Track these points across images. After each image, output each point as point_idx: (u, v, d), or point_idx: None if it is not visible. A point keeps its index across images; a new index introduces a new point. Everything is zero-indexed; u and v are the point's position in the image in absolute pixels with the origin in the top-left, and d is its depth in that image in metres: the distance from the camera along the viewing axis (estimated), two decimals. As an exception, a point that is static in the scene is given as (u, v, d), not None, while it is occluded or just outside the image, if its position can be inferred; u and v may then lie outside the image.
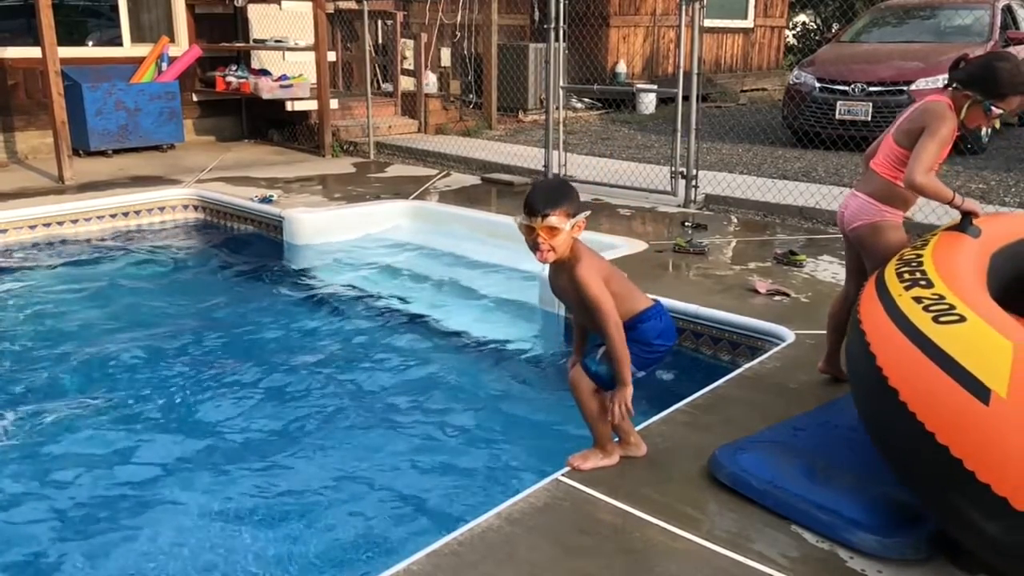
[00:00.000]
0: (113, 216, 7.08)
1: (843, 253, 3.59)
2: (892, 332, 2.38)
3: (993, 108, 2.90)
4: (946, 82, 3.04)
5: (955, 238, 2.88)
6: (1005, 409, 2.06)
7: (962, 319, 2.29)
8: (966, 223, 2.93)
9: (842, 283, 3.62)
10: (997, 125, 2.99)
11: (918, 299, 2.43)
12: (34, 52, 7.94)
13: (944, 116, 2.90)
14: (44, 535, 3.04)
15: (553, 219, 2.45)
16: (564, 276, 2.59)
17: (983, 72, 2.91)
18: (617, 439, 2.88)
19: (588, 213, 2.55)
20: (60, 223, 6.78)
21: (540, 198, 2.48)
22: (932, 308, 2.36)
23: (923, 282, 2.52)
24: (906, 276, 2.59)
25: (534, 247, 2.51)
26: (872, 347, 2.42)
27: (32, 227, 6.64)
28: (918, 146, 2.90)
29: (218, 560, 2.91)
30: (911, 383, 2.24)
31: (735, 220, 6.61)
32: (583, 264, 2.54)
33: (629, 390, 2.49)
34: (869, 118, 8.94)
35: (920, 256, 2.72)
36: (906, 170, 2.91)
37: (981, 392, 2.08)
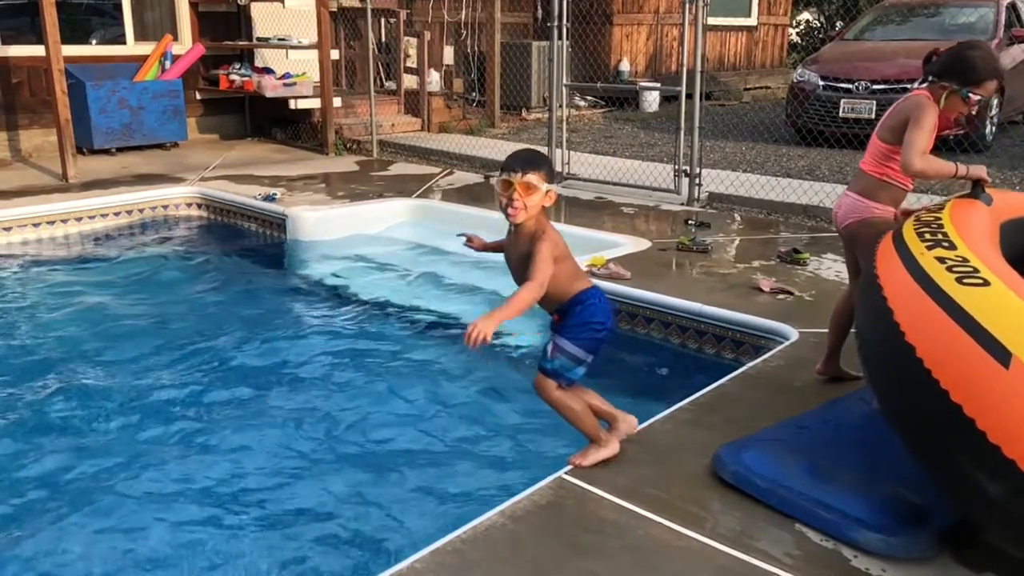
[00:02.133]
0: (117, 214, 7.08)
1: (847, 251, 3.59)
2: (913, 289, 2.38)
3: (971, 95, 2.95)
4: (922, 78, 3.10)
5: (969, 204, 2.88)
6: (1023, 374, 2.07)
7: (986, 283, 2.30)
8: (978, 190, 2.94)
9: (846, 281, 3.62)
10: (974, 111, 3.03)
11: (941, 259, 2.44)
12: (38, 50, 7.96)
13: (925, 106, 2.96)
14: (44, 532, 3.05)
15: (532, 177, 2.56)
16: (524, 244, 2.64)
17: (956, 62, 2.99)
18: (607, 426, 2.90)
19: (558, 186, 2.58)
20: (64, 221, 6.79)
21: (521, 159, 2.61)
22: (956, 270, 2.37)
23: (945, 244, 2.53)
24: (927, 236, 2.59)
25: (508, 204, 2.59)
26: (889, 302, 2.42)
27: (36, 225, 6.65)
28: (907, 137, 2.94)
29: (220, 558, 2.92)
30: (930, 341, 2.25)
31: (739, 218, 6.60)
32: (548, 238, 2.60)
33: (493, 324, 2.39)
34: (873, 116, 8.91)
35: (939, 219, 2.72)
36: (902, 162, 2.95)
37: (1002, 355, 2.09)
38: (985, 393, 2.10)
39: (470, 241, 2.92)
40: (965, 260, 2.41)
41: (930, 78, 3.03)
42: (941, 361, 2.19)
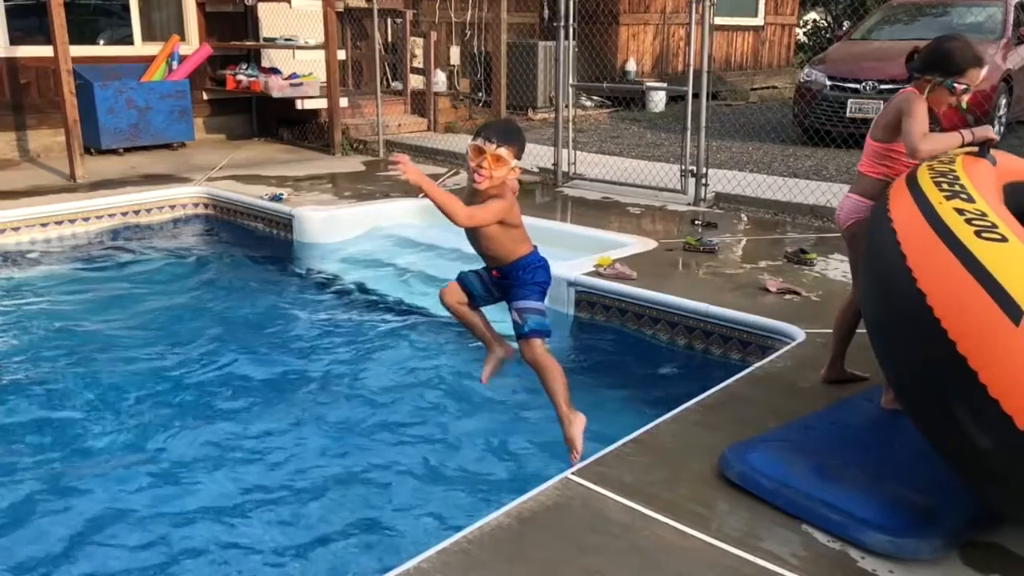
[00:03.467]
0: (124, 214, 7.11)
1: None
2: (929, 237, 2.39)
3: (956, 85, 3.00)
4: (906, 76, 3.17)
5: (977, 162, 2.89)
6: None
7: (1004, 239, 2.31)
8: (985, 150, 2.96)
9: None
10: (964, 105, 3.07)
11: (960, 211, 2.44)
12: (46, 51, 7.98)
13: (912, 99, 3.02)
14: (47, 528, 3.07)
15: (503, 151, 2.69)
16: (481, 201, 2.78)
17: (936, 55, 3.05)
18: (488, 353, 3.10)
19: (519, 163, 2.76)
20: (72, 221, 6.81)
21: (498, 131, 2.74)
22: (975, 223, 2.37)
23: (964, 196, 2.53)
24: (945, 187, 2.59)
25: (476, 169, 2.71)
26: (903, 246, 2.43)
27: (44, 225, 6.68)
28: (904, 128, 2.96)
29: (227, 553, 2.93)
30: (943, 290, 2.25)
31: (745, 218, 6.59)
32: (503, 199, 2.76)
33: (418, 179, 2.58)
34: (880, 116, 8.87)
35: (954, 170, 2.72)
36: (908, 151, 2.96)
37: (1014, 312, 2.11)
38: (992, 348, 2.12)
39: (399, 163, 2.68)
40: (984, 215, 2.42)
41: (914, 75, 3.10)
42: (952, 312, 2.20)
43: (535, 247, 2.95)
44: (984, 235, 2.32)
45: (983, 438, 2.15)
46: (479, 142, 2.69)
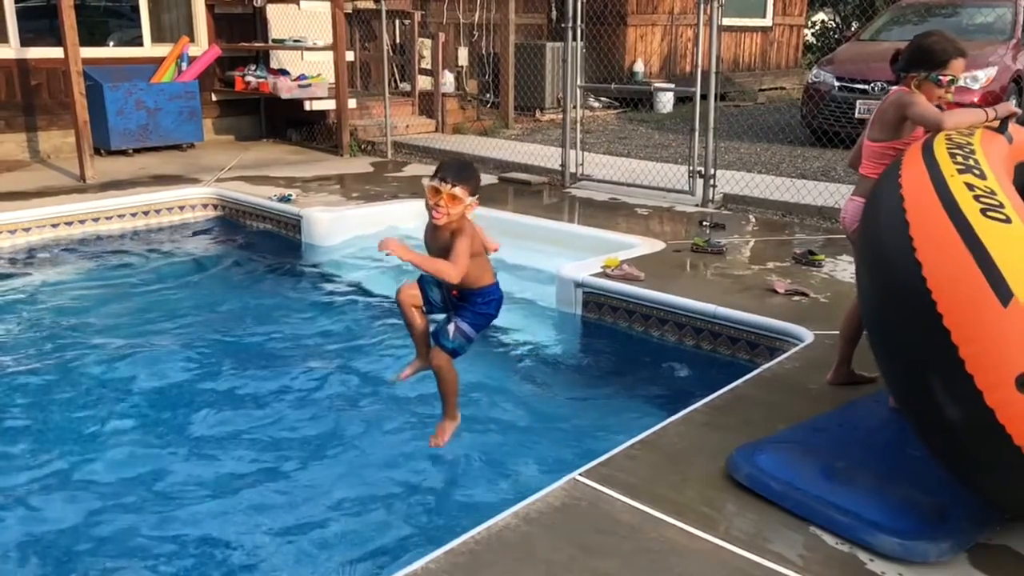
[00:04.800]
0: (134, 215, 7.14)
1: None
2: (935, 208, 2.40)
3: (940, 78, 3.05)
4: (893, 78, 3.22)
5: (995, 138, 2.89)
6: (1019, 316, 2.12)
7: (1008, 220, 2.32)
8: (1005, 125, 2.96)
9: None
10: (951, 97, 3.11)
11: (970, 186, 2.45)
12: (56, 52, 8.02)
13: (908, 95, 3.06)
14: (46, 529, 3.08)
15: (458, 190, 2.86)
16: (444, 238, 2.96)
17: (917, 52, 3.10)
18: (416, 354, 3.29)
19: (478, 197, 2.95)
20: (82, 222, 6.85)
21: (454, 170, 2.91)
22: (983, 200, 2.39)
23: (976, 171, 2.54)
24: (959, 159, 2.60)
25: (433, 207, 2.89)
26: (908, 213, 2.44)
27: (55, 226, 6.71)
28: (917, 115, 2.99)
29: (234, 554, 2.94)
30: (938, 263, 2.28)
31: (753, 219, 6.58)
32: (466, 235, 2.92)
33: (406, 255, 2.78)
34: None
35: (971, 144, 2.72)
36: (930, 130, 2.93)
37: (1005, 294, 2.14)
38: (976, 325, 2.16)
39: (385, 248, 2.82)
40: (992, 193, 2.42)
41: (901, 75, 3.14)
42: (944, 285, 2.23)
43: (497, 280, 3.17)
44: (989, 214, 2.33)
45: (952, 410, 2.22)
46: (435, 183, 2.87)
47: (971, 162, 2.58)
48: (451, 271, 2.86)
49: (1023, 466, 2.16)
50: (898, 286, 2.39)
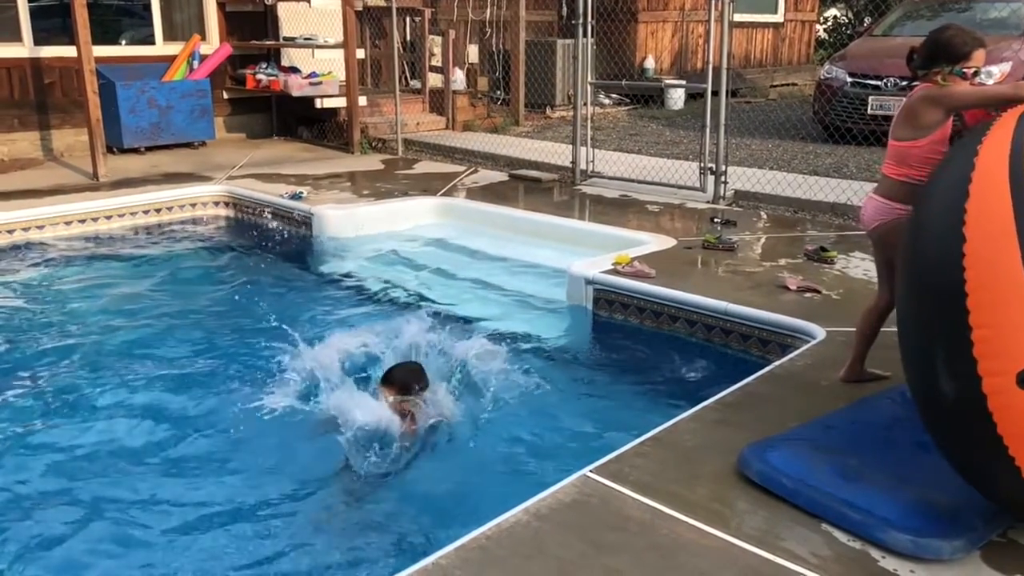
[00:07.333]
0: (146, 212, 7.18)
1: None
2: (1001, 187, 2.24)
3: (965, 71, 3.00)
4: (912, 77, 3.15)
5: None
6: None
7: None
8: None
9: (874, 280, 3.57)
10: (976, 82, 3.04)
11: None
12: (69, 51, 8.07)
13: (939, 89, 2.99)
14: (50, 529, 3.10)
15: (424, 394, 3.34)
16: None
17: (936, 48, 3.04)
18: None
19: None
20: (95, 219, 6.89)
21: (414, 379, 3.36)
22: None
23: None
24: None
25: (403, 415, 3.26)
26: (972, 184, 2.28)
27: (68, 223, 6.76)
28: (967, 99, 2.91)
29: (247, 550, 2.95)
30: (983, 242, 2.19)
31: (765, 216, 6.55)
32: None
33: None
34: (902, 113, 8.78)
35: None
36: (989, 106, 2.86)
37: None
38: (997, 312, 2.12)
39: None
40: None
41: (920, 73, 3.08)
42: (979, 265, 2.17)
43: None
44: None
45: (949, 384, 2.21)
46: (403, 399, 3.33)
47: None
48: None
49: (999, 456, 2.16)
50: (933, 247, 2.33)
